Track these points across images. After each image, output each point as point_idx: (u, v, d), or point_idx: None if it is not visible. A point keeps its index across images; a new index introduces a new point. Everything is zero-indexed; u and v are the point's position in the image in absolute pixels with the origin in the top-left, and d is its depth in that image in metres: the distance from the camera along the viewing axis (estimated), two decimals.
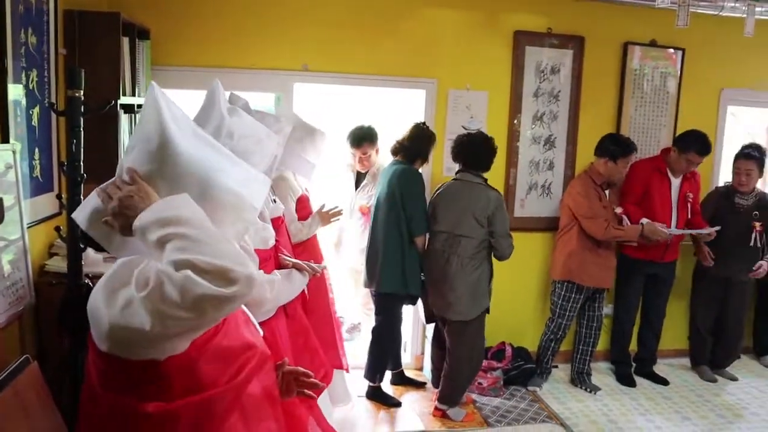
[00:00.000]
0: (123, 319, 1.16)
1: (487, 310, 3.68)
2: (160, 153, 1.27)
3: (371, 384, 3.92)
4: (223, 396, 1.28)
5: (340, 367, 3.35)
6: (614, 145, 3.99)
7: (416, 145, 3.70)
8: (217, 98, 1.73)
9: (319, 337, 2.87)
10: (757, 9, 3.81)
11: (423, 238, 3.71)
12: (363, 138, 4.26)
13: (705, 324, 4.56)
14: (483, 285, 3.61)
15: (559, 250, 4.15)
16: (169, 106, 1.32)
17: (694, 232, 4.21)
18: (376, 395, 3.92)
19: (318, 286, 3.15)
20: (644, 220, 4.06)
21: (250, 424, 1.32)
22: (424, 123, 3.82)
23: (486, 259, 3.62)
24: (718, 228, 4.18)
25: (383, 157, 4.30)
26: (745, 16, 3.78)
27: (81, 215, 1.34)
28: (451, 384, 3.74)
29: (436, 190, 3.78)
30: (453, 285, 3.58)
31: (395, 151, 3.78)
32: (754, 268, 4.26)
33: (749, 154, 4.26)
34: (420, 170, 3.76)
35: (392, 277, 3.69)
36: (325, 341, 3.09)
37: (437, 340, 3.98)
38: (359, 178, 4.50)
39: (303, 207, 3.38)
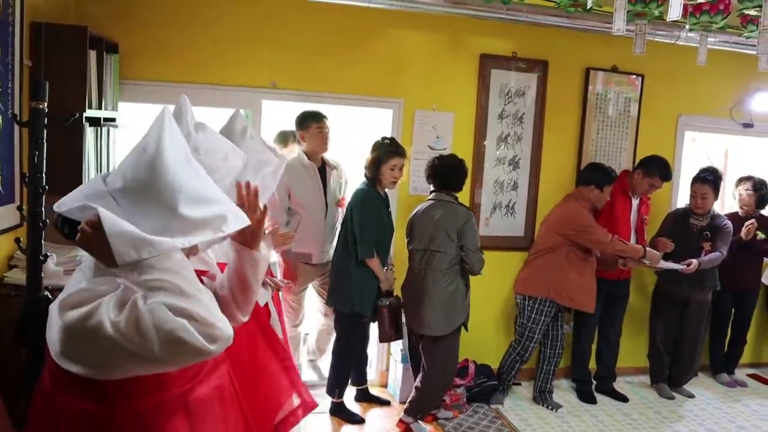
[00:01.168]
0: (81, 326, 1.21)
1: (465, 327, 3.72)
2: (152, 163, 1.37)
3: (333, 400, 3.93)
4: (167, 400, 1.31)
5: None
6: (600, 175, 4.12)
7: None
8: (183, 113, 1.76)
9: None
10: (710, 39, 3.97)
11: (374, 261, 3.72)
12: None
13: (664, 342, 4.68)
14: (458, 300, 3.65)
15: (538, 269, 4.14)
16: (171, 129, 1.45)
17: (678, 267, 4.27)
18: (338, 411, 3.93)
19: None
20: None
21: (194, 424, 1.34)
22: (388, 138, 3.84)
23: (460, 274, 3.67)
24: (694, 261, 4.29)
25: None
26: (699, 45, 3.95)
27: (64, 208, 1.40)
28: (421, 396, 3.78)
29: (413, 211, 3.84)
30: (428, 300, 3.64)
31: (365, 175, 3.82)
32: (684, 263, 4.29)
33: (704, 178, 4.42)
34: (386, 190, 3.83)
35: (340, 295, 3.77)
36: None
37: (413, 359, 4.01)
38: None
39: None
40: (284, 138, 4.52)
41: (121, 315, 1.21)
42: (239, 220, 1.48)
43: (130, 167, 1.39)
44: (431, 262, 3.65)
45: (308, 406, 2.45)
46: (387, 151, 3.70)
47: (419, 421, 3.80)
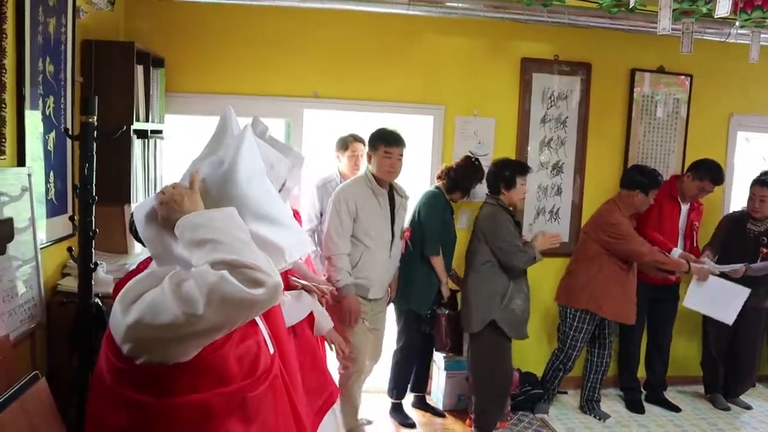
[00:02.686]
0: (148, 316, 1.22)
1: (509, 334, 3.67)
2: (225, 177, 1.45)
3: (392, 400, 4.03)
4: (225, 397, 1.32)
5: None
6: (645, 178, 3.97)
7: (460, 176, 3.84)
8: (229, 124, 1.78)
9: None
10: (762, 35, 3.83)
11: (438, 259, 3.76)
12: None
13: (718, 350, 4.50)
14: (489, 298, 3.65)
15: (578, 279, 4.04)
16: (250, 146, 1.52)
17: (726, 269, 4.12)
18: (394, 412, 4.03)
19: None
20: (676, 252, 4.11)
21: (250, 415, 1.35)
22: (476, 158, 3.93)
23: (498, 273, 3.67)
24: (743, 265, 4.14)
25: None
26: (750, 42, 3.81)
27: (139, 212, 1.45)
28: (475, 406, 3.81)
29: None
30: (464, 298, 3.78)
31: (440, 176, 3.93)
32: (731, 266, 4.13)
33: (764, 181, 4.23)
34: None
35: (401, 293, 3.81)
36: None
37: None
38: None
39: None
40: (343, 144, 4.10)
41: (176, 289, 1.21)
42: (302, 246, 1.56)
43: (205, 177, 1.46)
44: (470, 262, 3.76)
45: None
46: (479, 176, 3.89)
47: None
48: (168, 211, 1.37)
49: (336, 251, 3.39)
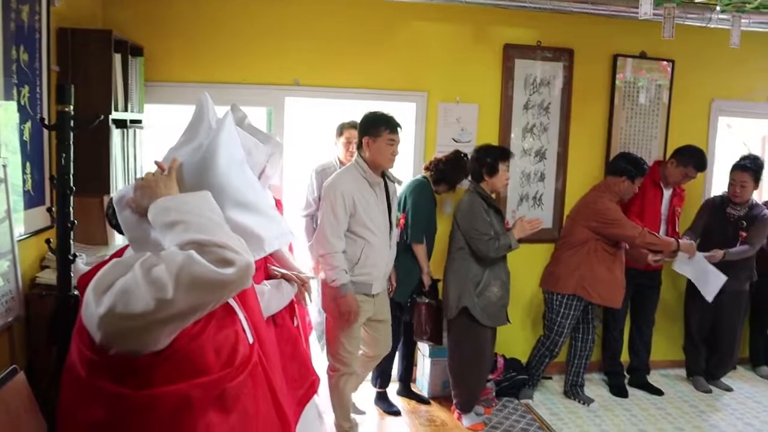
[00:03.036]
0: (120, 304, 1.18)
1: (479, 320, 3.68)
2: (203, 164, 1.43)
3: (376, 389, 4.05)
4: (204, 388, 1.30)
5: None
6: (631, 165, 4.01)
7: (449, 170, 3.85)
8: (205, 111, 1.76)
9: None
10: (743, 20, 3.85)
11: (421, 247, 3.77)
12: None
13: (699, 333, 4.56)
14: (462, 284, 3.69)
15: (566, 264, 4.05)
16: (230, 134, 1.50)
17: (706, 255, 4.18)
18: (379, 400, 4.04)
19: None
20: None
21: (227, 406, 1.34)
22: (465, 154, 3.92)
23: (465, 259, 3.71)
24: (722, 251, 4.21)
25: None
26: (731, 27, 3.83)
27: (117, 196, 1.45)
28: (452, 384, 3.91)
29: None
30: (443, 282, 3.85)
31: (427, 167, 3.94)
32: (710, 253, 4.19)
33: (744, 166, 4.27)
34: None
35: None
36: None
37: None
38: None
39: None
40: (339, 129, 4.07)
41: (146, 273, 1.18)
42: (282, 237, 1.53)
43: (183, 164, 1.44)
44: (449, 248, 3.84)
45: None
46: (464, 173, 3.90)
47: (465, 413, 3.86)
48: (142, 196, 1.36)
49: (330, 249, 3.23)
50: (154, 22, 3.73)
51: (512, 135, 4.39)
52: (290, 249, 3.05)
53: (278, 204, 3.27)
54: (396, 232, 3.55)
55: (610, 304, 4.07)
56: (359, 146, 3.34)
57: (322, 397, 3.09)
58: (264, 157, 2.56)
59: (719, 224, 4.34)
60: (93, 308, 1.22)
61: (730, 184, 4.34)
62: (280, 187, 3.62)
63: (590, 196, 4.12)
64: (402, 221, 3.74)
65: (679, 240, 4.11)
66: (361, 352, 3.55)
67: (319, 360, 3.44)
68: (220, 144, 1.46)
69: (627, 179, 4.00)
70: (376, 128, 3.25)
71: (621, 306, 4.15)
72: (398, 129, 3.31)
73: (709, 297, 4.19)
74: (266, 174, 2.70)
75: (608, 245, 4.00)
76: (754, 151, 5.04)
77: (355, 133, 3.93)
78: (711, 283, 4.16)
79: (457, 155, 3.90)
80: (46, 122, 2.52)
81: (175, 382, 1.26)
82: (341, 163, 3.99)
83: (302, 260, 3.79)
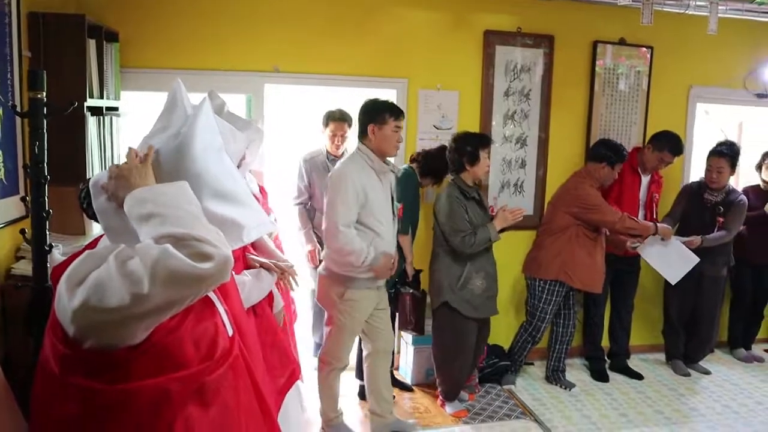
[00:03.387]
0: (94, 297, 1.15)
1: (459, 312, 3.67)
2: (180, 151, 1.38)
3: (360, 382, 3.96)
4: (182, 381, 1.27)
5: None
6: (611, 152, 4.02)
7: (437, 164, 3.82)
8: (179, 98, 1.72)
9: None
10: (720, 7, 3.87)
11: (407, 238, 3.77)
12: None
13: (680, 319, 4.62)
14: (442, 279, 3.69)
15: (548, 250, 4.07)
16: (207, 121, 1.45)
17: (683, 240, 4.22)
18: (362, 392, 3.92)
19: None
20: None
21: (207, 400, 1.31)
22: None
23: (445, 253, 3.70)
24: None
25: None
26: (709, 14, 3.85)
27: (92, 180, 1.41)
28: (436, 373, 3.92)
29: None
30: (429, 274, 3.83)
31: (415, 158, 3.91)
32: (688, 239, 4.24)
33: (721, 152, 4.32)
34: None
35: None
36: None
37: None
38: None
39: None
40: (324, 120, 4.05)
41: (121, 267, 1.15)
42: (261, 227, 1.49)
43: (158, 150, 1.40)
44: (433, 242, 3.81)
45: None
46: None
47: (448, 401, 3.87)
48: (116, 187, 1.32)
49: (345, 239, 3.09)
50: (130, 6, 3.65)
51: (493, 122, 4.39)
52: (276, 239, 3.02)
53: (262, 190, 3.23)
54: (396, 222, 3.42)
55: (591, 289, 4.11)
56: (362, 134, 3.22)
57: (304, 386, 3.07)
58: (243, 145, 2.52)
59: (697, 210, 4.39)
60: (66, 301, 1.18)
61: (707, 170, 4.38)
62: (262, 173, 3.59)
63: (571, 182, 4.14)
64: (401, 211, 3.54)
65: (657, 224, 4.15)
66: (366, 352, 3.50)
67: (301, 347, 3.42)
68: (196, 131, 1.42)
69: (607, 165, 4.03)
70: (381, 115, 3.15)
71: (601, 291, 4.19)
72: (403, 115, 3.24)
73: (673, 280, 4.24)
74: (245, 161, 2.65)
75: (589, 231, 4.02)
76: (731, 138, 5.10)
77: (341, 126, 3.93)
78: (679, 266, 4.20)
79: (444, 150, 3.82)
80: (18, 109, 2.47)
81: (153, 376, 1.23)
82: (329, 153, 3.97)
83: (291, 249, 3.77)
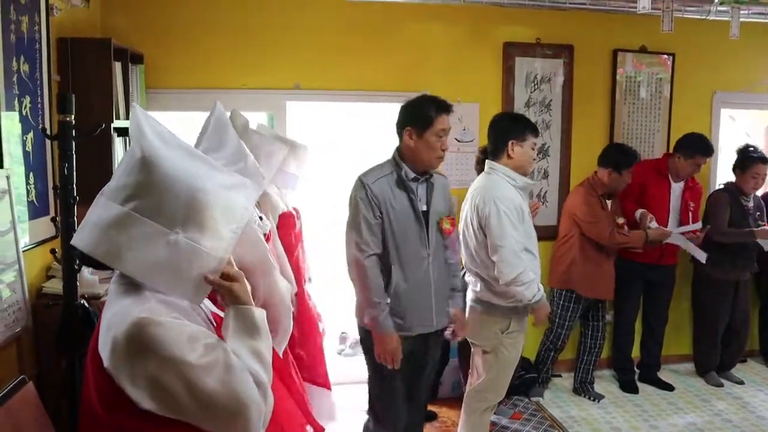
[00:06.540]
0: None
1: None
2: (143, 163, 1.26)
3: None
4: None
5: (324, 385, 3.34)
6: (619, 156, 3.94)
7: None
8: (226, 120, 1.70)
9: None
10: (742, 11, 3.83)
11: None
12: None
13: (722, 331, 4.48)
14: None
15: (558, 259, 4.11)
16: (150, 123, 1.36)
17: (682, 230, 4.11)
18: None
19: (300, 303, 3.14)
20: (638, 213, 4.11)
21: None
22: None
23: None
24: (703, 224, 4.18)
25: None
26: (731, 18, 3.81)
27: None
28: None
29: None
30: None
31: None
32: (692, 226, 4.12)
33: (763, 158, 4.21)
34: None
35: None
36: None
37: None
38: None
39: (285, 224, 3.10)
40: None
41: (202, 358, 1.21)
42: (256, 188, 1.46)
43: (123, 174, 1.31)
44: None
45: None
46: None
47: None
48: (228, 292, 1.36)
49: (524, 271, 2.78)
50: (154, 29, 3.74)
51: None
52: (267, 239, 2.61)
53: (267, 238, 2.69)
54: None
55: (600, 296, 4.07)
56: (496, 153, 2.93)
57: None
58: (279, 160, 2.53)
59: (739, 218, 4.28)
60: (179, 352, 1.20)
61: (752, 177, 4.23)
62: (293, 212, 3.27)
63: (573, 191, 4.16)
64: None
65: (647, 230, 3.99)
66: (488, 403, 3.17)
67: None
68: (147, 142, 1.30)
69: (614, 171, 3.93)
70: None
71: (613, 297, 4.15)
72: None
73: (702, 258, 4.13)
74: (299, 175, 2.64)
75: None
76: (757, 142, 5.01)
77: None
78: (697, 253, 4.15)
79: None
80: (48, 132, 2.53)
81: None
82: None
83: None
